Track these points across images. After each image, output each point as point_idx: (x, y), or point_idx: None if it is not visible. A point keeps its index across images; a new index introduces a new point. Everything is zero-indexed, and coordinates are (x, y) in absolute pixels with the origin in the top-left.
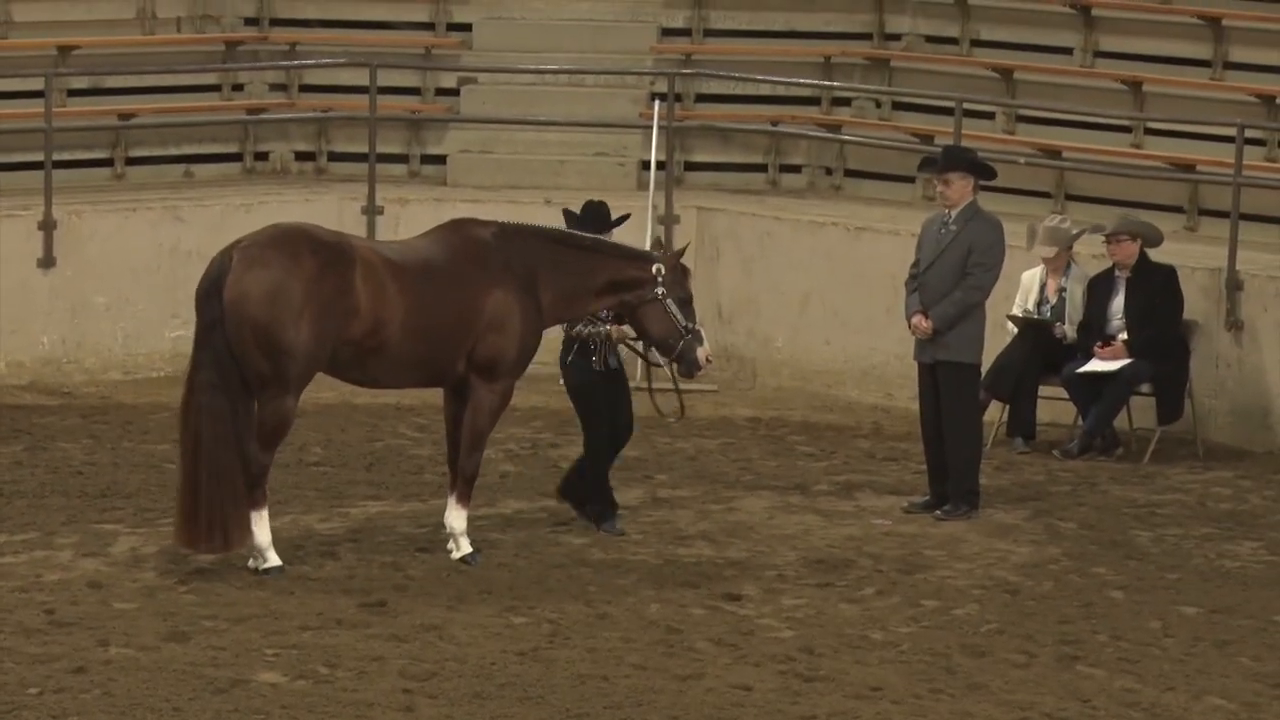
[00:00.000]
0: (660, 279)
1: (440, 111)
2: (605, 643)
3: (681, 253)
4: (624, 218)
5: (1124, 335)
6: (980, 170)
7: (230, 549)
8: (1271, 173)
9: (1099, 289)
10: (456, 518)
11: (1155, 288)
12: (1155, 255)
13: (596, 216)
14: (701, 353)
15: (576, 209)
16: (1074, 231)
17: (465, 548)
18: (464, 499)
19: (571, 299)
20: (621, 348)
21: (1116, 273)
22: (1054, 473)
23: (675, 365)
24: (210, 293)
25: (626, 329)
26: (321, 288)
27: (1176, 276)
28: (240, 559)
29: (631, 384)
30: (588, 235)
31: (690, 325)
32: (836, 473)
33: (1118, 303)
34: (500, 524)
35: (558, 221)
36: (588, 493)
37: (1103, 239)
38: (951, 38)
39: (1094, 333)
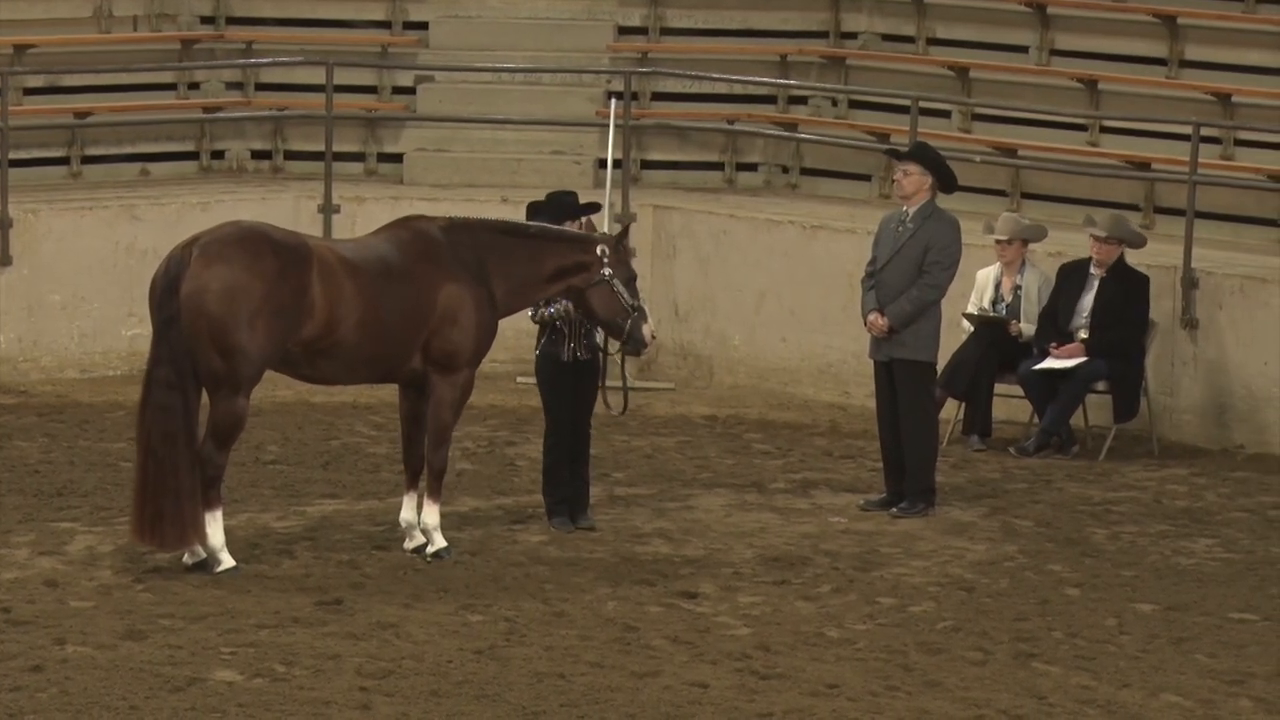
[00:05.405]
0: (605, 260)
1: (397, 110)
2: (562, 640)
3: (624, 233)
4: (593, 206)
5: (1084, 334)
6: (941, 172)
7: (167, 548)
8: (1227, 171)
9: (1071, 280)
10: (429, 513)
11: (1128, 293)
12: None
13: (559, 206)
14: (647, 329)
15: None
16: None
17: (439, 542)
18: (435, 494)
19: (523, 288)
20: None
21: (1092, 269)
22: (1010, 470)
23: (623, 346)
24: (168, 288)
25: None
26: (280, 289)
27: (1148, 286)
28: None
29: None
30: (533, 224)
31: (636, 304)
32: (793, 470)
33: (1087, 299)
34: (457, 522)
35: (520, 215)
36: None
37: (1090, 235)
38: (907, 36)
39: (1056, 324)
